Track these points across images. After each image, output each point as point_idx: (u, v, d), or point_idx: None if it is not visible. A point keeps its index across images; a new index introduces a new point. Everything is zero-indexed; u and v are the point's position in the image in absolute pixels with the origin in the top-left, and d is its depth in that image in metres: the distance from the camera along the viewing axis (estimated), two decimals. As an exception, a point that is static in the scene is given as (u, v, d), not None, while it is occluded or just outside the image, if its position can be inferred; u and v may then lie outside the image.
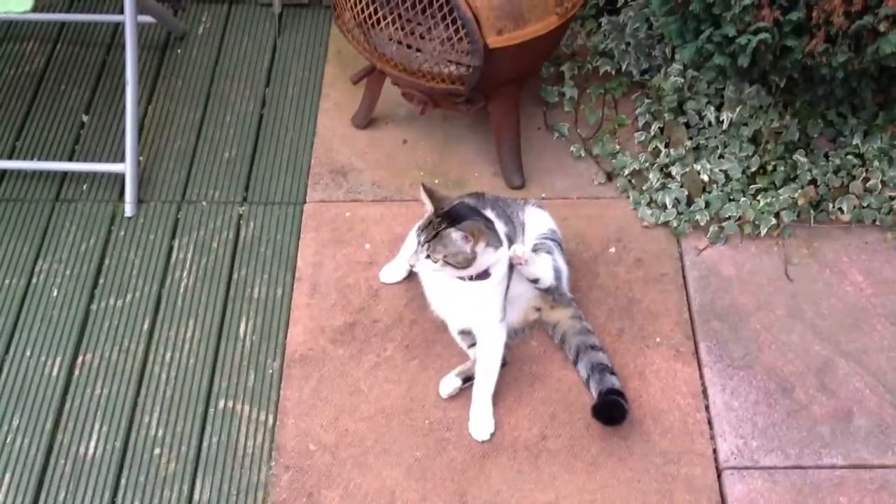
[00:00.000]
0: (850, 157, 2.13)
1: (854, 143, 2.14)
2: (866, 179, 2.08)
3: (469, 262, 1.69)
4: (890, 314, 1.90)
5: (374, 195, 2.17)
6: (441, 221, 1.70)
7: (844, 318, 1.90)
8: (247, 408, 1.80)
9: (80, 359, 1.88)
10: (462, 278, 1.74)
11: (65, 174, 2.23)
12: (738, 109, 2.18)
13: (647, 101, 2.30)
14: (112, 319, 1.94)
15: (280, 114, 2.37)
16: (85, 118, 2.35)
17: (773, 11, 1.87)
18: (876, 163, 2.09)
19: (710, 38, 1.97)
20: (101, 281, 2.02)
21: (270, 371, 1.86)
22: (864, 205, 2.07)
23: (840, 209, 2.07)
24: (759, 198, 2.08)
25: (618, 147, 2.23)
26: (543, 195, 2.15)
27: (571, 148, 2.25)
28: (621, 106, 2.34)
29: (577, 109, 2.34)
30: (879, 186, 2.07)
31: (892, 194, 2.07)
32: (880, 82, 2.01)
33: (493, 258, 1.73)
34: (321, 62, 2.49)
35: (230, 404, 1.81)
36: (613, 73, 2.36)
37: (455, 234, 1.67)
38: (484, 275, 1.74)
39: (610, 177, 2.20)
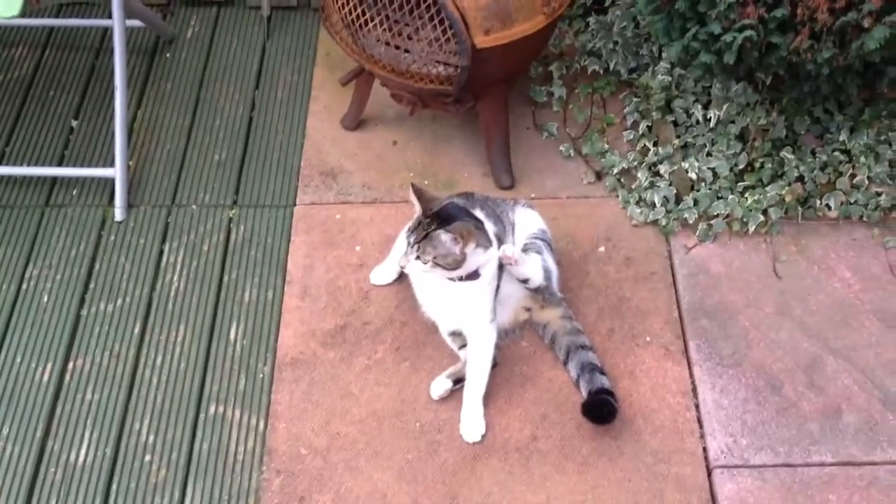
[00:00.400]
0: (836, 153, 2.14)
1: (841, 139, 2.15)
2: (853, 176, 2.09)
3: (459, 263, 1.70)
4: (878, 310, 1.91)
5: (364, 197, 2.18)
6: (431, 222, 1.70)
7: (833, 314, 1.91)
8: (237, 412, 1.80)
9: (70, 364, 1.88)
10: (452, 279, 1.75)
11: (54, 179, 2.22)
12: (725, 107, 2.19)
13: (635, 99, 2.30)
14: (102, 324, 1.94)
15: (269, 116, 2.37)
16: (74, 123, 2.35)
17: (758, 9, 1.87)
18: (862, 159, 2.10)
19: (695, 36, 1.97)
20: (92, 286, 2.02)
21: (261, 375, 1.86)
22: (852, 201, 2.07)
23: (827, 206, 2.07)
24: (746, 195, 2.09)
25: (607, 146, 2.24)
26: (533, 195, 2.16)
27: (560, 147, 2.25)
28: (610, 105, 2.35)
29: (565, 109, 2.34)
30: (866, 182, 2.08)
31: (879, 190, 2.08)
32: (865, 78, 2.02)
33: (483, 258, 1.73)
34: (310, 64, 2.49)
35: (221, 409, 1.81)
36: (601, 72, 2.37)
37: (444, 236, 1.67)
38: (474, 275, 1.74)
39: (599, 176, 2.20)
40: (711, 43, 1.96)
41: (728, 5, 1.89)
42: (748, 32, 1.88)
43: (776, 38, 1.89)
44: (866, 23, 1.81)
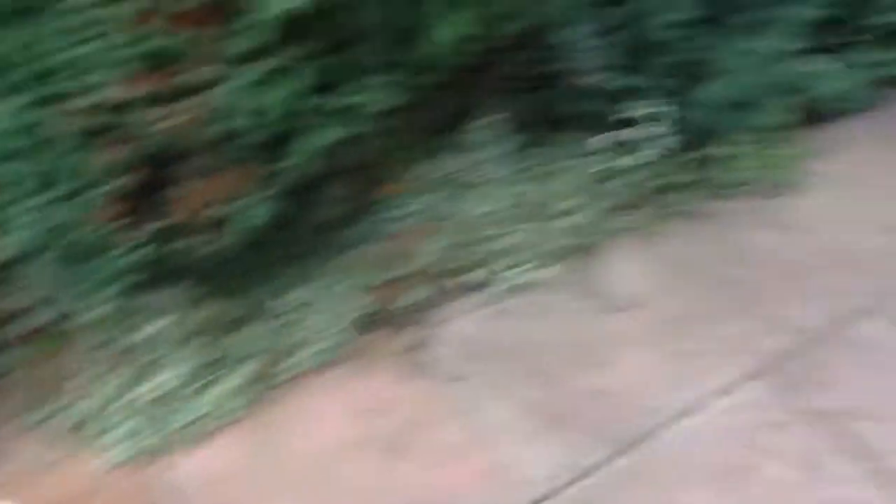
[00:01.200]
0: (283, 316, 2.27)
1: (269, 307, 2.28)
2: (302, 333, 2.24)
3: None
4: (380, 437, 2.02)
5: None
6: None
7: (324, 461, 1.97)
8: None
9: None
10: None
11: None
12: (160, 321, 2.21)
13: (77, 354, 2.19)
14: None
15: None
16: None
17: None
18: (296, 315, 2.26)
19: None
20: None
21: None
22: (307, 355, 2.20)
23: (294, 364, 2.17)
24: (219, 385, 2.11)
25: (66, 402, 2.08)
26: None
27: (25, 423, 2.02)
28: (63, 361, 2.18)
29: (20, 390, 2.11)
30: (303, 340, 2.21)
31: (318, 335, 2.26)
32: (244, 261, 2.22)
33: None
34: None
35: None
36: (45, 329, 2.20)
37: None
38: None
39: (75, 432, 2.03)
40: (112, 278, 1.98)
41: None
42: (140, 251, 1.96)
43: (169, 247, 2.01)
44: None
